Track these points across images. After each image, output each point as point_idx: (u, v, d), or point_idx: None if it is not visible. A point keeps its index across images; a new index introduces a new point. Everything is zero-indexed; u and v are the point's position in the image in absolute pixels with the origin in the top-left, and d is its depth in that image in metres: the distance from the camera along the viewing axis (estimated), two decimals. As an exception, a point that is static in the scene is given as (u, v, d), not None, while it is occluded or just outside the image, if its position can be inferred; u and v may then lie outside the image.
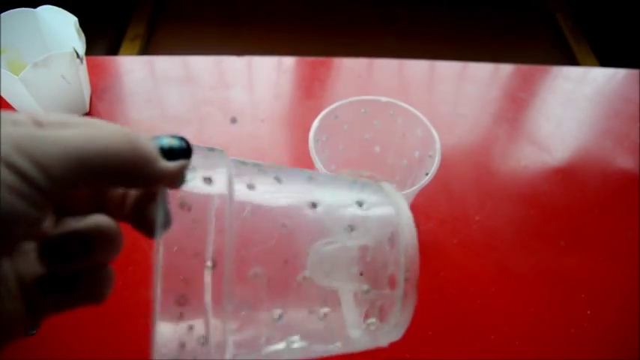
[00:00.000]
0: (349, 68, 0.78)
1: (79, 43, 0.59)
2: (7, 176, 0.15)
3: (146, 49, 1.32)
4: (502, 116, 0.72)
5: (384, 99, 0.54)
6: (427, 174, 0.48)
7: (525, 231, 0.59)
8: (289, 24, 1.46)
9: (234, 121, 0.66)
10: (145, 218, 0.22)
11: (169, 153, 0.21)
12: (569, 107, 0.75)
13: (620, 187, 0.65)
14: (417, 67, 0.80)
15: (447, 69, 0.80)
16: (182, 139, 0.22)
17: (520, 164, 0.66)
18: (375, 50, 1.39)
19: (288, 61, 0.76)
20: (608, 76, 0.83)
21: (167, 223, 0.20)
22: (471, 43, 1.46)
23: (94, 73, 0.69)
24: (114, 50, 1.30)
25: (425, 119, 0.52)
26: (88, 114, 0.66)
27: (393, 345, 0.49)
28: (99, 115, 0.67)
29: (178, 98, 0.69)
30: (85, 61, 0.62)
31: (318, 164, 0.48)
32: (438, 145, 0.50)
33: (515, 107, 0.74)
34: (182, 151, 0.22)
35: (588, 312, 0.53)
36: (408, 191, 0.46)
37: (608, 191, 0.64)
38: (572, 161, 0.67)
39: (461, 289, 0.54)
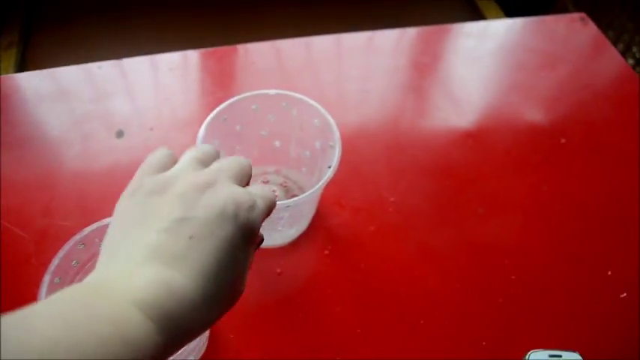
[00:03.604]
0: (254, 54, 0.72)
1: None
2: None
3: (24, 57, 1.20)
4: (407, 86, 0.70)
5: (272, 91, 0.49)
6: (330, 167, 0.45)
7: (442, 204, 0.57)
8: (182, 12, 1.37)
9: (120, 134, 0.60)
10: None
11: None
12: (473, 66, 0.74)
13: (530, 142, 0.64)
14: (324, 43, 0.76)
15: (354, 40, 0.76)
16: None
17: (430, 134, 0.64)
18: (278, 24, 1.34)
19: (185, 56, 0.70)
20: (509, 27, 0.82)
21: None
22: (370, 5, 1.42)
23: (-48, 102, 0.61)
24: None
25: (320, 107, 0.49)
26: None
27: (322, 346, 0.47)
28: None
29: (55, 117, 0.62)
30: None
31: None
32: (337, 135, 0.46)
33: (419, 73, 0.72)
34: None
35: (513, 277, 0.52)
36: (312, 191, 0.43)
37: (519, 148, 0.63)
38: (481, 123, 0.66)
39: (384, 277, 0.51)
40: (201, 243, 0.25)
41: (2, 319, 0.19)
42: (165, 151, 0.31)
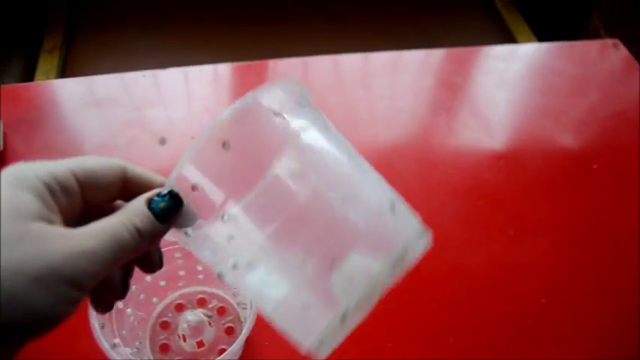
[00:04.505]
0: (283, 70, 0.74)
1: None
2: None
3: (66, 61, 1.24)
4: (438, 105, 0.71)
5: None
6: None
7: (473, 224, 0.58)
8: (216, 23, 1.40)
9: (163, 141, 0.62)
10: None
11: (162, 215, 0.26)
12: (503, 88, 0.75)
13: (560, 166, 0.65)
14: (351, 62, 0.78)
15: (382, 59, 0.78)
16: (172, 197, 0.26)
17: (461, 154, 0.65)
18: (307, 40, 1.36)
19: (216, 69, 0.72)
20: (538, 51, 0.83)
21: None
22: (403, 25, 1.44)
23: (5, 104, 0.63)
24: (31, 67, 1.21)
25: None
26: (3, 152, 0.61)
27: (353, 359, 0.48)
28: (16, 150, 0.62)
29: (100, 123, 0.64)
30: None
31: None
32: None
33: (450, 94, 0.73)
34: (173, 209, 0.26)
35: (543, 300, 0.53)
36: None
37: (550, 171, 0.64)
38: (512, 145, 0.67)
39: (414, 294, 0.52)
40: None
41: None
42: None
